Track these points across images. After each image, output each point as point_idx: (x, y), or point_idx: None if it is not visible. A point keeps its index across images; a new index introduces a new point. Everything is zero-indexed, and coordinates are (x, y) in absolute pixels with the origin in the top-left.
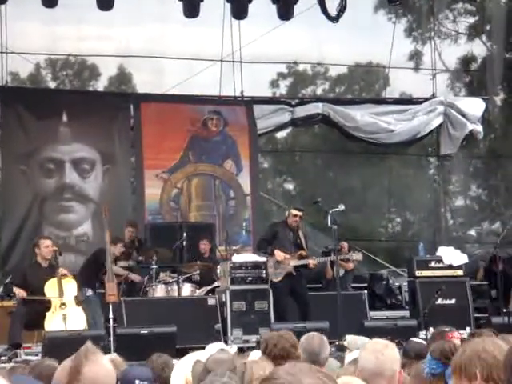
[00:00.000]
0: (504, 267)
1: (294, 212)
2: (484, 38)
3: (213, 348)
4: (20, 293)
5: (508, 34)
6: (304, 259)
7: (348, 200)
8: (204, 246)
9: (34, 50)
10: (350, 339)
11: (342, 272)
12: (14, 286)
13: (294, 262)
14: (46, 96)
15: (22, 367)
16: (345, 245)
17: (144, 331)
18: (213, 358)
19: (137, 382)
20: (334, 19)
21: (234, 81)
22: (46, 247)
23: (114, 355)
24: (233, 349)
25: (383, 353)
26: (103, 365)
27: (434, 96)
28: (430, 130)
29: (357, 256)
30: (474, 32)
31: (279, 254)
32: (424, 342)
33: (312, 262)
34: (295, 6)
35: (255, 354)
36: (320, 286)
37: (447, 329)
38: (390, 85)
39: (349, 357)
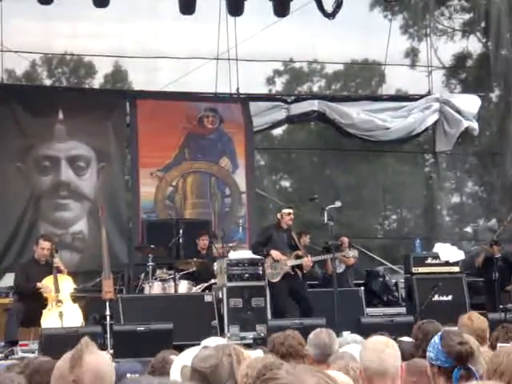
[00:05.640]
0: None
1: (288, 210)
2: (479, 34)
3: (209, 342)
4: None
5: (503, 30)
6: (300, 259)
7: (344, 197)
8: (204, 241)
9: (29, 47)
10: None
11: (342, 267)
12: (21, 284)
13: (290, 262)
14: (42, 93)
15: (19, 365)
16: (345, 240)
17: (141, 328)
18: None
19: (128, 375)
20: (330, 16)
21: (230, 78)
22: (42, 249)
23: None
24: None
25: (385, 351)
26: (103, 355)
27: (429, 93)
28: (426, 127)
29: (353, 253)
30: (469, 29)
31: (276, 254)
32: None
33: (308, 260)
34: (291, 3)
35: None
36: (316, 282)
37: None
38: (385, 82)
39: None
